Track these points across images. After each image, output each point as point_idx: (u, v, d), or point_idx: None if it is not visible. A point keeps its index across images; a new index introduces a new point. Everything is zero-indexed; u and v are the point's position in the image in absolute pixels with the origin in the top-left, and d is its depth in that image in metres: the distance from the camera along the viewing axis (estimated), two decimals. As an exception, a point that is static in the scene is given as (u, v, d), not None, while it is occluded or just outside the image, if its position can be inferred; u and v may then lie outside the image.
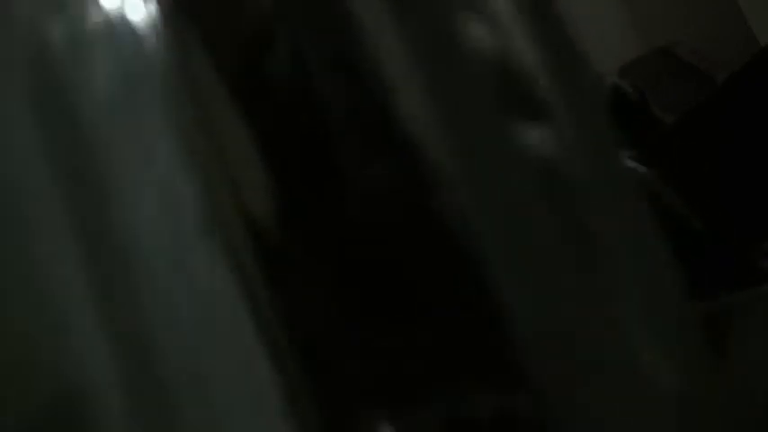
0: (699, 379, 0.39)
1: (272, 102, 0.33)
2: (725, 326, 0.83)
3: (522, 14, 0.43)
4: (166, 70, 0.31)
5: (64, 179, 0.33)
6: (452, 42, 0.36)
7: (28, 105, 0.33)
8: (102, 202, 0.33)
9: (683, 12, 2.52)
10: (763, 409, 0.66)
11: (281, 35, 0.33)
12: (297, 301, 0.32)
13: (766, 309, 0.82)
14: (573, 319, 0.35)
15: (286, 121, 0.33)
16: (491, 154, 0.35)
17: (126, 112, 0.31)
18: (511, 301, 0.33)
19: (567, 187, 0.37)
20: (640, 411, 0.36)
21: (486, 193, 0.34)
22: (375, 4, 0.35)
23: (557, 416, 0.32)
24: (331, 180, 0.33)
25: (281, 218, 0.32)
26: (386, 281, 0.35)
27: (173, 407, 0.34)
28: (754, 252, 0.96)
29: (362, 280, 0.34)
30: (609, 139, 0.42)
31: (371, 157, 0.33)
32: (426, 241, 0.34)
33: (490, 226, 0.34)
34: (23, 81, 0.32)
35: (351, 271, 0.33)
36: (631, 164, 0.95)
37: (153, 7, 0.34)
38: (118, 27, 0.32)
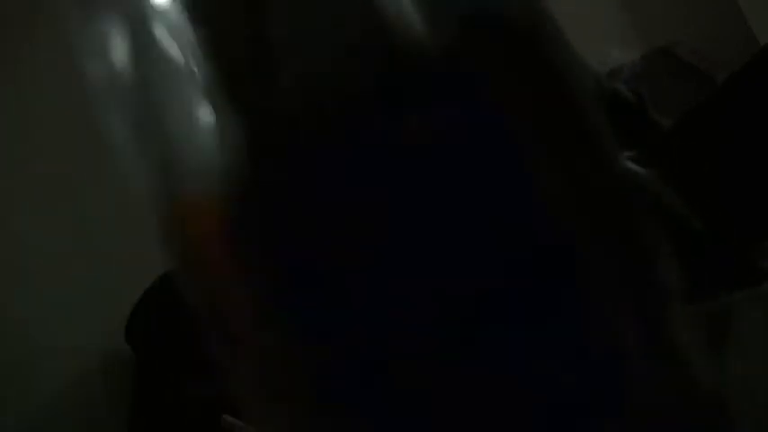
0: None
1: None
2: (725, 326, 0.83)
3: None
4: None
5: None
6: None
7: None
8: None
9: (683, 12, 2.52)
10: (763, 409, 0.66)
11: None
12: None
13: (766, 309, 0.82)
14: None
15: None
16: None
17: None
18: None
19: None
20: None
21: None
22: None
23: None
24: None
25: None
26: None
27: None
28: (754, 252, 0.96)
29: None
30: None
31: None
32: None
33: None
34: None
35: None
36: (631, 165, 0.95)
37: None
38: None
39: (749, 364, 0.74)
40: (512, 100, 0.35)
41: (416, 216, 0.32)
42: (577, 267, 0.33)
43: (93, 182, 1.91)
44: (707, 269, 0.91)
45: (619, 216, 0.35)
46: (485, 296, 0.32)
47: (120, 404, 1.91)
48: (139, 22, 0.37)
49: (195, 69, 0.34)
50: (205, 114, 0.36)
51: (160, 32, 0.37)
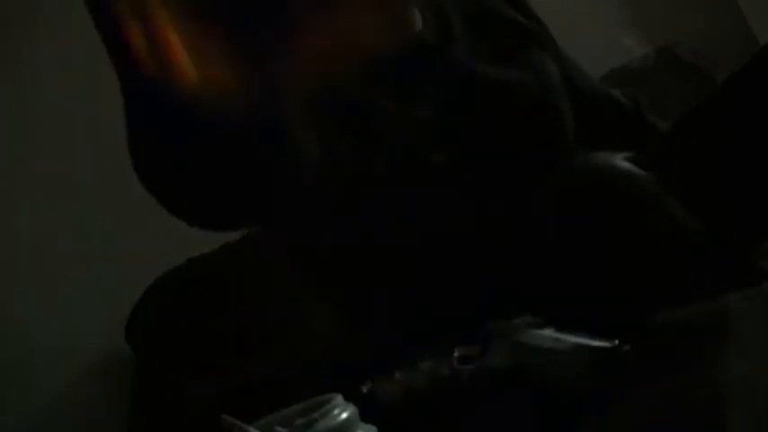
0: None
1: None
2: (725, 326, 0.83)
3: None
4: None
5: None
6: None
7: None
8: None
9: (683, 12, 2.52)
10: (763, 408, 0.66)
11: None
12: None
13: (766, 309, 0.82)
14: None
15: None
16: None
17: None
18: None
19: None
20: None
21: None
22: None
23: None
24: None
25: None
26: None
27: None
28: (754, 252, 0.96)
29: None
30: None
31: None
32: None
33: None
34: None
35: None
36: (631, 166, 0.95)
37: None
38: None
39: (749, 364, 0.74)
40: None
41: None
42: None
43: (93, 182, 1.90)
44: (707, 269, 0.91)
45: None
46: None
47: (120, 404, 1.90)
48: None
49: None
50: None
51: None
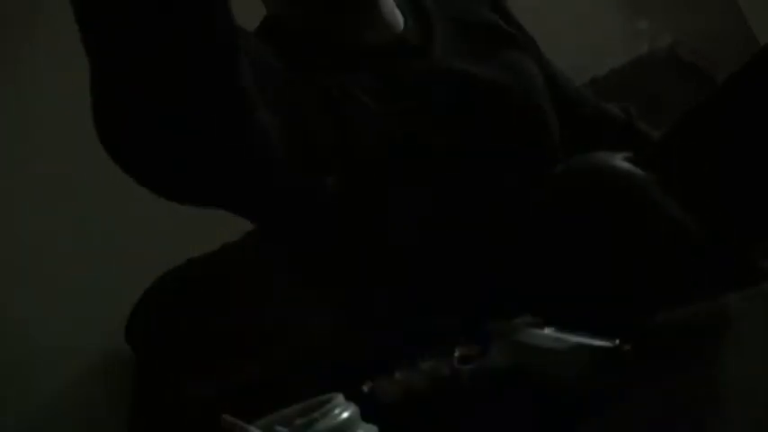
0: None
1: None
2: (725, 326, 0.83)
3: None
4: None
5: None
6: None
7: None
8: None
9: (683, 12, 2.52)
10: (763, 408, 0.66)
11: None
12: None
13: (766, 309, 0.82)
14: None
15: None
16: None
17: None
18: None
19: None
20: None
21: None
22: None
23: None
24: None
25: None
26: None
27: None
28: (754, 252, 0.96)
29: None
30: None
31: None
32: None
33: None
34: None
35: None
36: (630, 166, 0.95)
37: None
38: None
39: (749, 364, 0.74)
40: None
41: None
42: None
43: (93, 182, 1.91)
44: (707, 269, 0.91)
45: None
46: None
47: (120, 404, 1.91)
48: None
49: None
50: None
51: None
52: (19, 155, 1.97)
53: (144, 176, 0.77)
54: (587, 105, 1.22)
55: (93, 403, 1.96)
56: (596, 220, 0.91)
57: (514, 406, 0.78)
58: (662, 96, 2.16)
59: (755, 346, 0.76)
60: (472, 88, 1.03)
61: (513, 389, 0.78)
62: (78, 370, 1.97)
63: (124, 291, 1.87)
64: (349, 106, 0.95)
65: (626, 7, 2.55)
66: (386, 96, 0.98)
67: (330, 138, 0.93)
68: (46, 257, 1.95)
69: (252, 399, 1.14)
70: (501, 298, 0.89)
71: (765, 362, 0.73)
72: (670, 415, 0.70)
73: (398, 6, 1.10)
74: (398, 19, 1.09)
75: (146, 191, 0.80)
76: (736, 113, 0.96)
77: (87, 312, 1.92)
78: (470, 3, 1.16)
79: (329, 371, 1.10)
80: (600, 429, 0.73)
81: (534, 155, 1.04)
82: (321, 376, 1.08)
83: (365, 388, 0.83)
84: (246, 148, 0.79)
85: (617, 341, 0.76)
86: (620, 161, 0.96)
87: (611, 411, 0.74)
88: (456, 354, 0.82)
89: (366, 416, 0.71)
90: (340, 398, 0.71)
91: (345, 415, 0.69)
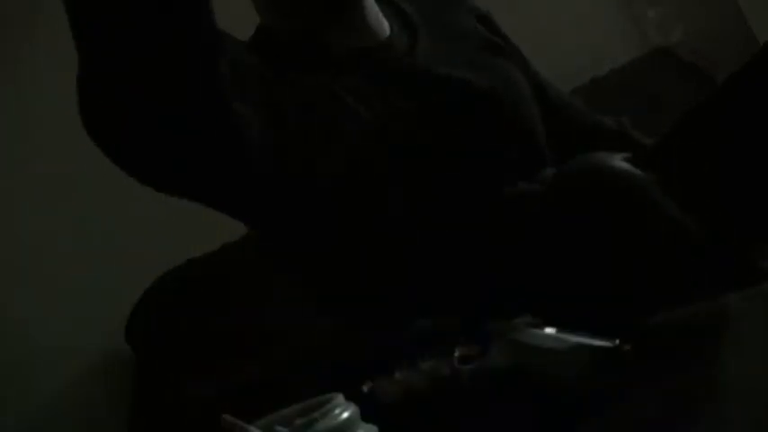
0: None
1: None
2: (725, 326, 0.83)
3: None
4: None
5: None
6: None
7: None
8: None
9: (683, 12, 2.52)
10: (763, 408, 0.66)
11: None
12: None
13: (766, 309, 0.82)
14: None
15: None
16: None
17: None
18: None
19: None
20: None
21: None
22: None
23: None
24: None
25: None
26: None
27: None
28: (754, 252, 0.96)
29: None
30: None
31: None
32: None
33: None
34: None
35: None
36: (630, 166, 0.95)
37: None
38: None
39: (749, 364, 0.74)
40: None
41: None
42: None
43: (93, 182, 1.91)
44: (707, 269, 0.91)
45: None
46: None
47: (120, 404, 1.91)
48: None
49: None
50: None
51: None
52: (19, 155, 1.97)
53: (139, 168, 0.84)
54: (580, 115, 1.24)
55: (93, 403, 1.96)
56: (596, 220, 0.91)
57: (514, 406, 0.78)
58: (662, 96, 2.16)
59: (755, 346, 0.76)
60: (456, 91, 1.04)
61: (513, 389, 0.78)
62: (78, 370, 1.97)
63: (124, 291, 1.87)
64: (336, 108, 0.97)
65: (625, 7, 2.55)
66: (374, 98, 0.99)
67: (316, 138, 0.95)
68: (46, 257, 1.95)
69: (252, 399, 1.14)
70: (501, 298, 0.89)
71: (765, 362, 0.73)
72: (670, 415, 0.70)
73: (385, 17, 1.12)
74: (384, 26, 1.11)
75: (146, 191, 0.81)
76: (736, 113, 0.96)
77: (87, 312, 1.92)
78: (458, 15, 1.18)
79: (329, 371, 1.10)
80: (600, 429, 0.73)
81: (521, 158, 1.05)
82: (321, 376, 1.08)
83: (365, 388, 0.83)
84: (226, 135, 0.85)
85: (617, 341, 0.76)
86: (620, 161, 0.96)
87: (611, 411, 0.74)
88: (456, 354, 0.82)
89: (366, 416, 0.71)
90: (340, 398, 0.71)
91: (345, 415, 0.69)
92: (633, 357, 0.76)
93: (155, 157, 0.82)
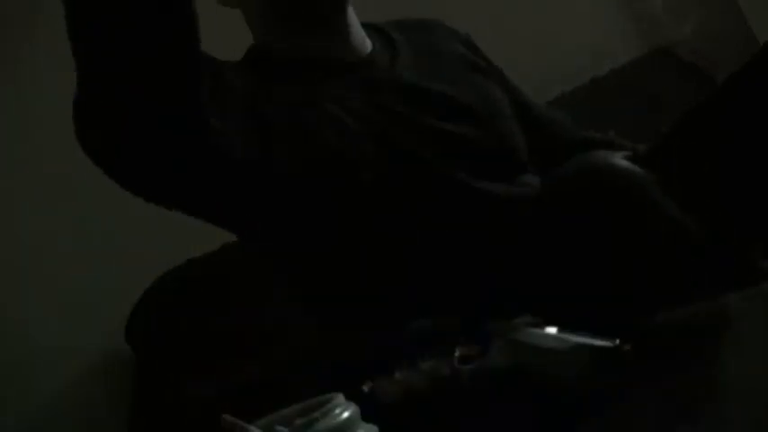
0: None
1: None
2: (725, 326, 0.83)
3: None
4: None
5: None
6: None
7: None
8: None
9: (683, 12, 2.52)
10: (763, 408, 0.66)
11: None
12: None
13: (766, 309, 0.82)
14: None
15: None
16: None
17: None
18: None
19: None
20: None
21: None
22: None
23: None
24: None
25: None
26: None
27: None
28: (754, 252, 0.96)
29: None
30: None
31: None
32: None
33: None
34: None
35: None
36: (630, 165, 0.95)
37: None
38: None
39: (749, 364, 0.74)
40: None
41: None
42: None
43: (93, 182, 1.90)
44: (707, 269, 0.91)
45: None
46: None
47: (120, 404, 1.90)
48: None
49: None
50: None
51: None
52: (19, 155, 1.97)
53: (136, 177, 0.86)
54: (567, 131, 1.25)
55: (93, 403, 1.96)
56: (596, 220, 0.91)
57: (514, 406, 0.78)
58: (662, 96, 2.16)
59: (755, 346, 0.76)
60: (432, 101, 1.07)
61: (513, 389, 0.78)
62: (78, 370, 1.97)
63: (124, 291, 1.87)
64: (321, 117, 1.01)
65: (625, 7, 2.54)
66: (359, 109, 1.02)
67: (302, 148, 0.98)
68: (46, 257, 1.95)
69: (252, 399, 1.14)
70: (501, 298, 0.89)
71: (765, 362, 0.73)
72: (670, 415, 0.70)
73: (368, 36, 1.17)
74: (366, 43, 1.15)
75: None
76: (736, 113, 0.96)
77: (87, 312, 1.92)
78: (440, 38, 1.23)
79: (329, 371, 1.10)
80: (600, 429, 0.73)
81: (502, 168, 1.07)
82: (321, 376, 1.08)
83: (365, 388, 0.83)
84: (204, 149, 0.90)
85: (617, 341, 0.77)
86: (620, 160, 0.96)
87: (611, 411, 0.74)
88: (456, 354, 0.82)
89: (366, 416, 0.71)
90: (340, 398, 0.71)
91: (345, 415, 0.69)
92: (633, 357, 0.76)
93: (153, 162, 0.85)
